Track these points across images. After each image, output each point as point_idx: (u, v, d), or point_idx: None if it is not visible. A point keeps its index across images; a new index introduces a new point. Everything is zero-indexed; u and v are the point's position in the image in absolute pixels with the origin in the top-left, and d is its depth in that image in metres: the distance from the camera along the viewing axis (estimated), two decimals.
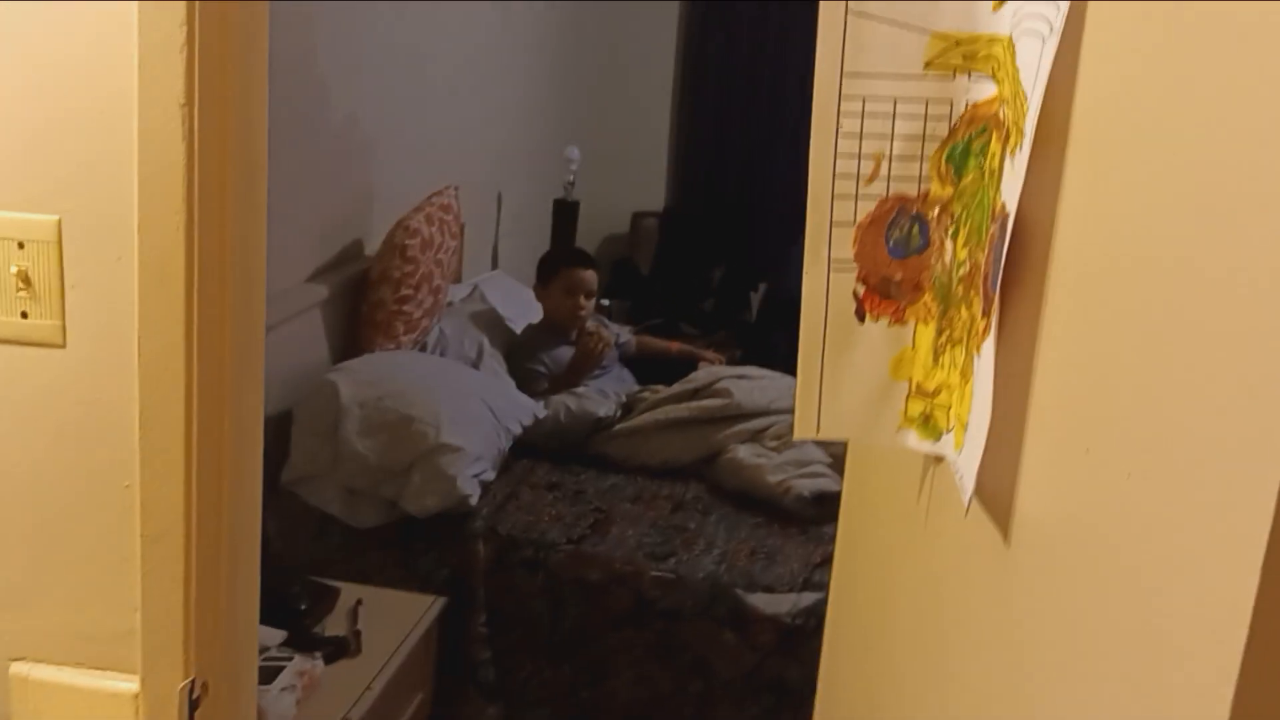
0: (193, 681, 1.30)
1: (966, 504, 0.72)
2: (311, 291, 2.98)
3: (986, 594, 0.73)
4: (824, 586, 2.73)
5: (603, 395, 3.39)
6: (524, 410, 3.11)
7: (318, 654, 2.20)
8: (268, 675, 2.04)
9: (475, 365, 3.39)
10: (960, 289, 0.80)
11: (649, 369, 3.80)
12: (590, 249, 5.41)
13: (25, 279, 1.22)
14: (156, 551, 1.28)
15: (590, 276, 3.64)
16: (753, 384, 3.37)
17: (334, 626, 2.38)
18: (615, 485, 3.11)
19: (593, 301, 3.67)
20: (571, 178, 4.87)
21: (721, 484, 3.13)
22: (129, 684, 1.30)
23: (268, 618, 2.06)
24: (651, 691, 2.73)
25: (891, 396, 0.86)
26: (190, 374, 1.22)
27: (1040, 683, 0.66)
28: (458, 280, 3.78)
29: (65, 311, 1.22)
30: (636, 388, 3.59)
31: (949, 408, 0.82)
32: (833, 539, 2.88)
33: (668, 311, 5.01)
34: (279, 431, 2.76)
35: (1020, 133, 0.70)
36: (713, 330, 5.05)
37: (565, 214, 4.88)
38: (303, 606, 2.32)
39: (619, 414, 3.34)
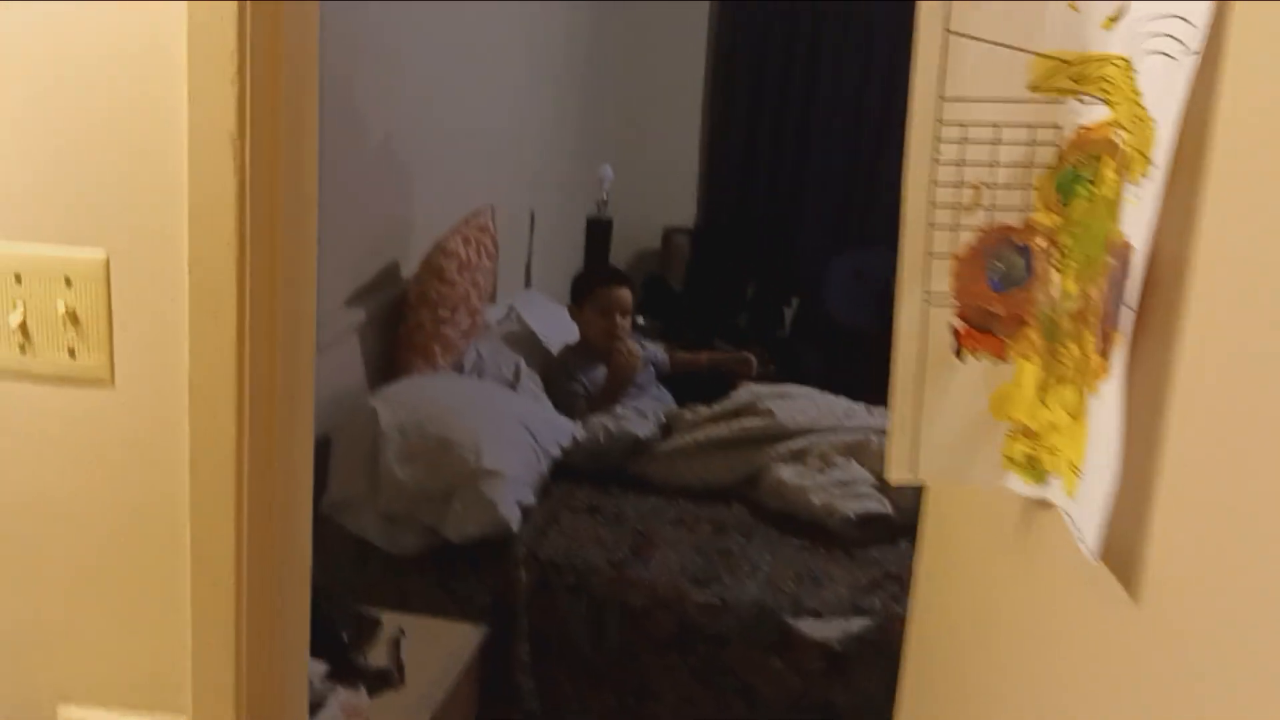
0: None
1: (1094, 558, 0.67)
2: (349, 315, 2.95)
3: (1113, 654, 0.68)
4: (873, 612, 2.68)
5: (641, 416, 3.35)
6: (563, 432, 3.07)
7: (362, 686, 2.16)
8: (312, 708, 2.00)
9: (513, 387, 3.36)
10: (1069, 324, 0.76)
11: (687, 388, 3.75)
12: (622, 266, 5.38)
13: (73, 316, 1.18)
14: (207, 591, 1.24)
15: (625, 295, 3.60)
16: (794, 403, 3.32)
17: (376, 657, 2.34)
18: (656, 507, 3.07)
19: (628, 320, 3.63)
20: (605, 196, 4.84)
21: (764, 505, 3.08)
22: None
23: (311, 648, 2.03)
24: (695, 716, 2.68)
25: (992, 437, 0.81)
26: (241, 411, 1.19)
27: None
28: (492, 301, 3.75)
29: (113, 349, 1.19)
30: (676, 408, 3.54)
31: (1056, 450, 0.77)
32: (879, 562, 2.84)
33: (701, 328, 4.96)
34: (317, 457, 2.72)
35: (1146, 160, 0.65)
36: (746, 346, 4.99)
37: (598, 232, 4.85)
38: (346, 637, 2.28)
39: (659, 435, 3.29)
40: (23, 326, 1.18)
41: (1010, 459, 0.81)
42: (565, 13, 4.59)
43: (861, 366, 4.79)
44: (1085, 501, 0.71)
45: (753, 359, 4.04)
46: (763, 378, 4.08)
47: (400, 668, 2.30)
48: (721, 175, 5.47)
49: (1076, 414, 0.74)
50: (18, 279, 1.18)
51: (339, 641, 2.26)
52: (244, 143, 1.13)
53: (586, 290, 3.59)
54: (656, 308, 5.09)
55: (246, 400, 1.18)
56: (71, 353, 1.19)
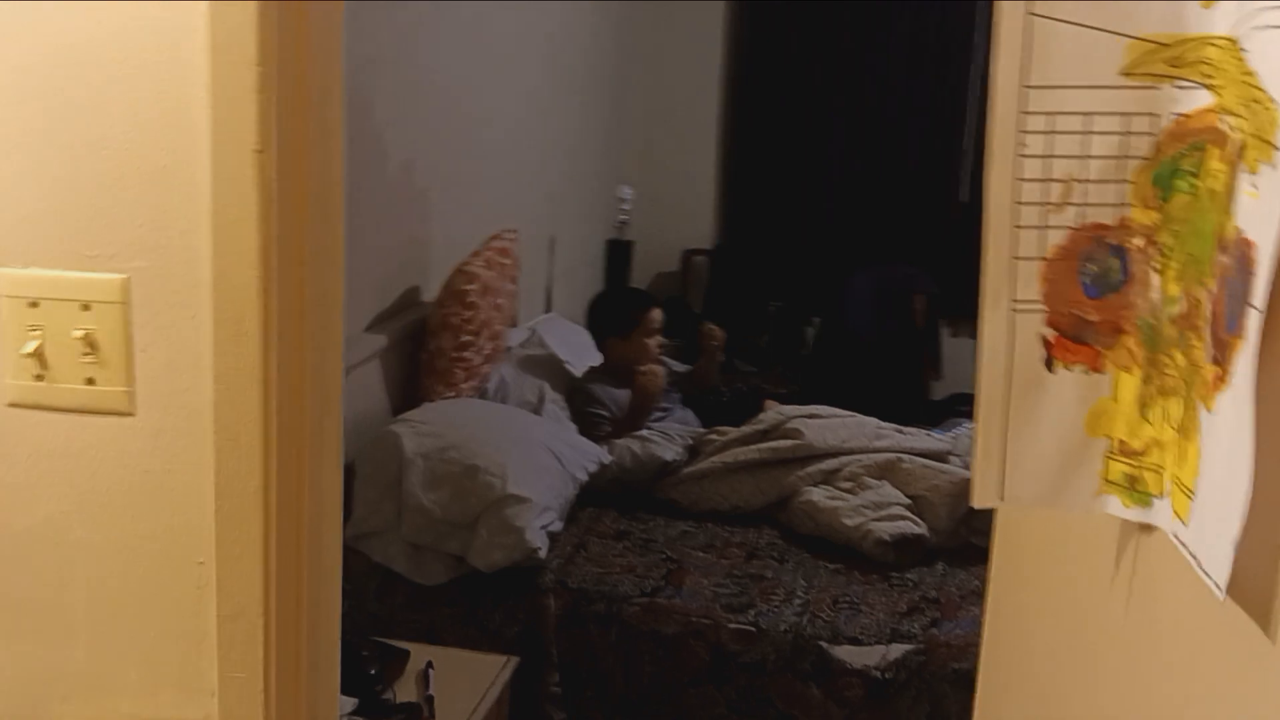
0: None
1: (1221, 593, 0.61)
2: (370, 341, 2.90)
3: (1246, 696, 0.61)
4: (913, 637, 2.60)
5: (668, 438, 3.28)
6: (589, 456, 3.00)
7: None
8: None
9: (537, 411, 3.30)
10: (1172, 330, 0.69)
11: (713, 411, 3.69)
12: (641, 288, 5.33)
13: (91, 343, 1.13)
14: (234, 632, 1.19)
15: (660, 314, 3.58)
16: (824, 423, 3.25)
17: (405, 691, 2.27)
18: (685, 533, 3.00)
19: (657, 340, 3.60)
20: (625, 217, 4.79)
21: (795, 528, 3.01)
22: None
23: None
24: None
25: (1088, 456, 0.75)
26: (269, 440, 1.13)
27: None
28: (514, 325, 3.70)
29: (134, 377, 1.14)
30: (702, 430, 3.47)
31: (1162, 469, 0.71)
32: (917, 586, 2.76)
33: (722, 348, 4.89)
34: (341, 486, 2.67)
35: (1268, 145, 0.58)
36: (769, 366, 4.93)
37: (619, 254, 4.80)
38: (373, 671, 2.21)
39: (686, 457, 3.23)
40: (39, 354, 1.13)
41: (1108, 480, 0.74)
42: (585, 34, 4.56)
43: (883, 383, 4.74)
44: (1204, 528, 0.64)
45: (715, 331, 3.90)
46: (787, 398, 4.00)
47: (429, 701, 2.23)
48: (739, 195, 5.42)
49: (1185, 430, 0.68)
50: (34, 305, 1.12)
51: (366, 676, 2.19)
52: (268, 157, 1.08)
53: (635, 319, 3.54)
54: (677, 329, 5.03)
55: (274, 427, 1.13)
56: (90, 381, 1.14)
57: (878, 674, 2.51)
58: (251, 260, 1.09)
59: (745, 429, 3.28)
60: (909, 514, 2.94)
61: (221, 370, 1.11)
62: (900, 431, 3.34)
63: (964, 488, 2.93)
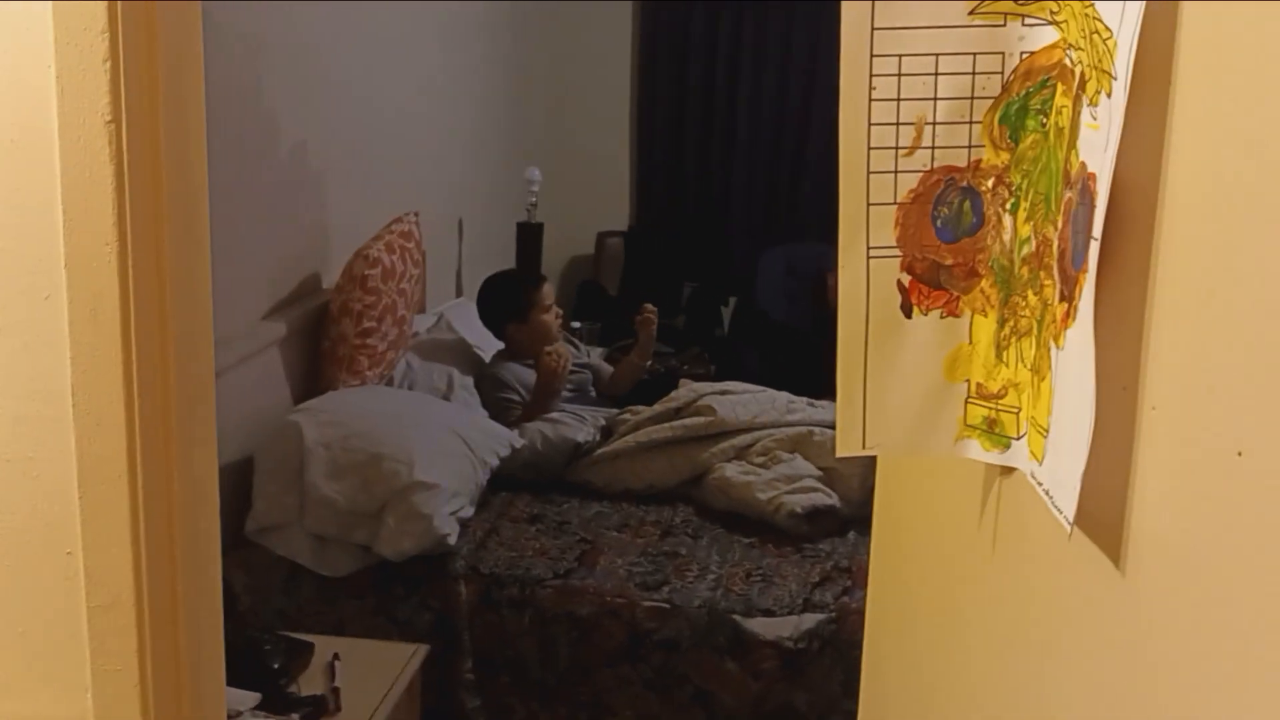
0: None
1: (1069, 525, 0.60)
2: (268, 330, 2.83)
3: (1097, 625, 0.61)
4: (826, 607, 2.62)
5: (579, 420, 3.26)
6: (500, 441, 2.97)
7: (295, 716, 2.05)
8: None
9: (446, 397, 3.25)
10: (1025, 271, 0.69)
11: (630, 393, 3.68)
12: (555, 272, 5.29)
13: None
14: (106, 623, 1.14)
15: (550, 288, 3.55)
16: (735, 399, 3.25)
17: (310, 684, 2.22)
18: (600, 513, 2.98)
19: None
20: (534, 199, 4.75)
21: (710, 505, 3.01)
22: None
23: (238, 679, 1.91)
24: None
25: (947, 401, 0.74)
26: (132, 424, 1.09)
27: None
28: (422, 310, 3.64)
29: None
30: (615, 410, 3.46)
31: (1018, 410, 0.71)
32: (829, 556, 2.78)
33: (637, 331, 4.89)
34: (240, 479, 2.61)
35: (1107, 76, 0.58)
36: (685, 347, 4.93)
37: (530, 236, 4.75)
38: (276, 665, 2.16)
39: (598, 438, 3.21)
40: None
41: (968, 425, 0.74)
42: (483, 13, 4.50)
43: (799, 362, 4.77)
44: (1056, 464, 0.64)
45: (651, 313, 3.85)
46: (703, 378, 4.01)
47: (335, 693, 2.19)
48: (653, 178, 5.41)
49: (1038, 369, 0.68)
50: None
51: (269, 670, 2.14)
52: (120, 127, 1.03)
53: (528, 300, 3.48)
54: (592, 312, 5.01)
55: (137, 410, 1.08)
56: None
57: (791, 644, 2.52)
58: (106, 237, 1.05)
59: (658, 408, 3.27)
60: (821, 486, 2.96)
61: (79, 352, 1.07)
62: (812, 405, 3.36)
63: (875, 458, 2.96)
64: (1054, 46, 0.66)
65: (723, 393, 3.31)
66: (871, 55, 0.70)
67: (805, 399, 3.39)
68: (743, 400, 3.26)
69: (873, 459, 2.95)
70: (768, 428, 3.18)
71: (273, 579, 2.62)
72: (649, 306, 3.80)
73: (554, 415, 3.26)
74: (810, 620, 2.55)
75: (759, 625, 2.55)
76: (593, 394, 3.63)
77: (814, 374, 4.63)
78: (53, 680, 1.17)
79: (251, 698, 2.03)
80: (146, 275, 1.06)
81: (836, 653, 2.52)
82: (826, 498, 2.92)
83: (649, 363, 3.87)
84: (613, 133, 5.40)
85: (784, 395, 3.37)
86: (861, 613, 2.48)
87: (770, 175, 5.25)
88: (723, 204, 5.31)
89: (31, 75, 1.05)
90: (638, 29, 5.30)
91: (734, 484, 2.97)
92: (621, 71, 5.35)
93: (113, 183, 1.04)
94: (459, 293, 4.29)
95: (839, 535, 2.87)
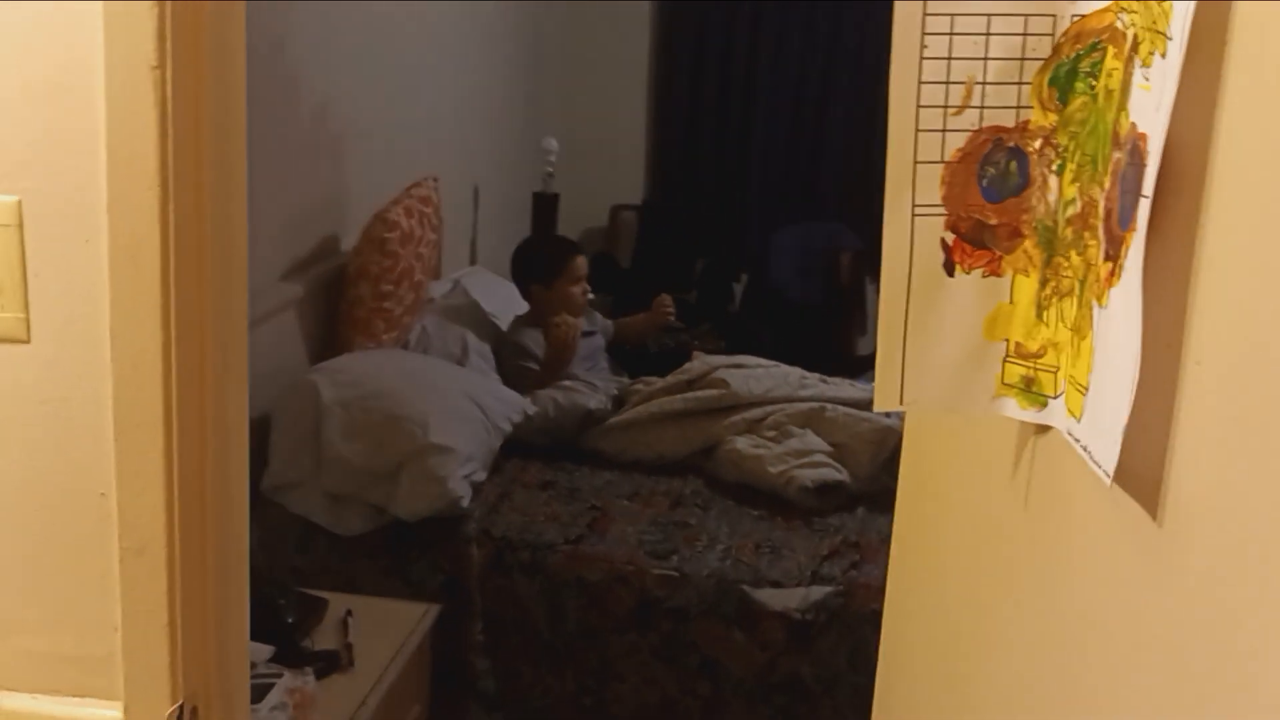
0: (181, 707, 1.18)
1: (1108, 479, 0.62)
2: (286, 290, 2.84)
3: (1133, 579, 0.63)
4: (833, 580, 2.64)
5: (592, 388, 3.28)
6: (513, 407, 2.99)
7: (308, 669, 2.08)
8: (257, 693, 1.91)
9: (460, 362, 3.26)
10: (1069, 232, 0.70)
11: (641, 366, 3.69)
12: (568, 236, 5.29)
13: None
14: (137, 566, 1.16)
15: (584, 261, 3.55)
16: (749, 373, 3.27)
17: (324, 640, 2.25)
18: (610, 482, 3.00)
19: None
20: (550, 170, 4.75)
21: (720, 477, 3.03)
22: (111, 711, 1.18)
23: (253, 632, 1.93)
24: (659, 695, 2.62)
25: (986, 359, 0.75)
26: (169, 368, 1.10)
27: (1211, 686, 0.56)
28: (437, 276, 3.65)
29: (29, 303, 1.10)
30: (628, 380, 3.47)
31: (1057, 369, 0.72)
32: (838, 530, 2.80)
33: (649, 304, 4.89)
34: (257, 437, 2.62)
35: (1161, 37, 0.59)
36: (696, 322, 4.93)
37: (545, 207, 4.76)
38: (290, 619, 2.19)
39: (610, 406, 3.22)
40: None
41: (1006, 383, 0.75)
42: None
43: (810, 340, 4.78)
44: (1095, 421, 0.65)
45: (669, 299, 3.96)
46: (714, 353, 4.02)
47: (349, 649, 2.21)
48: (669, 152, 5.40)
49: (1079, 328, 0.69)
50: None
51: (283, 624, 2.17)
52: (165, 73, 1.04)
53: (559, 265, 3.48)
54: (605, 284, 5.01)
55: (174, 356, 1.10)
56: None
57: (798, 615, 2.55)
58: (149, 182, 1.06)
59: (671, 379, 3.28)
60: (831, 461, 2.97)
61: (119, 295, 1.08)
62: (824, 381, 3.37)
63: (885, 435, 2.97)
64: (1106, 10, 0.67)
65: (736, 366, 3.32)
66: (925, 14, 0.71)
67: (818, 375, 3.41)
68: (756, 374, 3.28)
69: (882, 435, 2.96)
70: (780, 402, 3.20)
71: (287, 537, 2.64)
72: (667, 299, 3.80)
73: (566, 382, 3.28)
74: (818, 592, 2.58)
75: (767, 596, 2.57)
76: (604, 364, 3.65)
77: (825, 353, 4.65)
78: (83, 620, 1.18)
79: (266, 650, 2.06)
80: (187, 220, 1.07)
81: (844, 626, 2.55)
82: (836, 473, 2.94)
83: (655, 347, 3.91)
84: (630, 106, 5.39)
85: (797, 371, 3.39)
86: (870, 587, 2.52)
87: (787, 151, 5.23)
88: (738, 180, 5.30)
89: (76, 17, 1.06)
90: (658, 3, 5.28)
91: (745, 457, 2.99)
92: (640, 45, 5.34)
93: (156, 128, 1.05)
94: (473, 260, 4.30)
95: (848, 510, 2.89)
